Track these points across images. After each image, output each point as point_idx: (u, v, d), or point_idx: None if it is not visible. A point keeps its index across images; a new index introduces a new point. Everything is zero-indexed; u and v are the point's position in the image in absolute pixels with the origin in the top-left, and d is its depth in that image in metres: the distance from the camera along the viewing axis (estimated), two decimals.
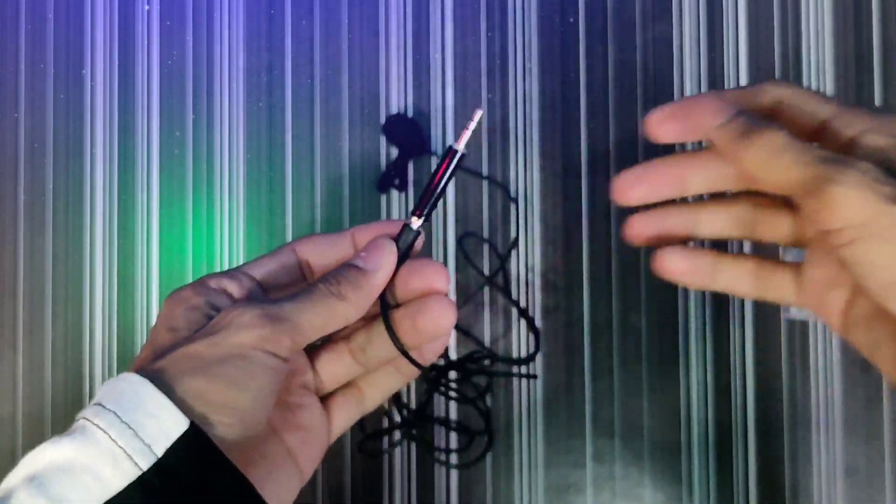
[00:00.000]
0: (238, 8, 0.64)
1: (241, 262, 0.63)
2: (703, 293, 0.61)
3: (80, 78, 0.64)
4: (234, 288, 0.35)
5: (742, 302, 0.61)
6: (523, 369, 0.62)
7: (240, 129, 0.64)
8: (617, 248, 0.62)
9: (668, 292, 0.61)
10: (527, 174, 0.63)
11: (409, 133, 0.62)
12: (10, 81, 0.64)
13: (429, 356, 0.38)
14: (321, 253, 0.38)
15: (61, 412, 0.62)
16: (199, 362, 0.30)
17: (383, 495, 0.61)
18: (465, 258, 0.62)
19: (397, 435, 0.61)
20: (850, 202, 0.27)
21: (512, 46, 0.64)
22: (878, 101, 0.62)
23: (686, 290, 0.61)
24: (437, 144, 0.63)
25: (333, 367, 0.39)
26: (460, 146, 0.36)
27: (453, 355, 0.61)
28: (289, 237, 0.63)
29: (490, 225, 0.63)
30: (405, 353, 0.37)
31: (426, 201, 0.37)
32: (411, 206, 0.63)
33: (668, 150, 0.62)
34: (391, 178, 0.62)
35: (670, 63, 0.63)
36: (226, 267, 0.63)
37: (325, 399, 0.39)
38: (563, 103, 0.63)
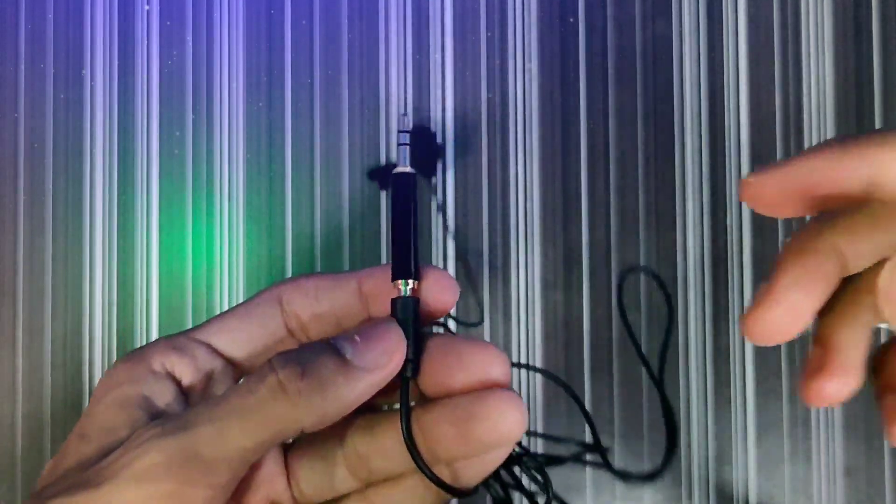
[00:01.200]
0: (238, 8, 0.64)
1: (239, 265, 0.63)
2: (704, 293, 0.61)
3: (80, 78, 0.64)
4: (186, 370, 0.26)
5: (742, 300, 0.61)
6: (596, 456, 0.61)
7: (240, 129, 0.64)
8: (617, 247, 0.62)
9: (668, 291, 0.61)
10: (526, 174, 0.63)
11: (427, 146, 0.62)
12: (10, 81, 0.64)
13: (475, 474, 0.26)
14: (316, 306, 0.27)
15: (61, 412, 0.62)
16: None
17: None
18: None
19: None
20: None
21: (512, 46, 0.64)
22: (878, 101, 0.62)
23: (686, 290, 0.61)
24: (437, 147, 0.63)
25: (318, 478, 0.27)
26: (404, 167, 0.28)
27: None
28: (288, 237, 0.63)
29: (490, 236, 0.63)
30: (438, 482, 0.25)
31: (408, 255, 0.27)
32: None
33: (668, 153, 0.63)
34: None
35: (670, 63, 0.63)
36: (225, 268, 0.63)
37: None
38: (563, 103, 0.63)
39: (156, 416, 0.24)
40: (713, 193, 0.62)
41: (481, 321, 0.62)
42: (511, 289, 0.62)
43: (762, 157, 0.62)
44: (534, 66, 0.64)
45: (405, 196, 0.28)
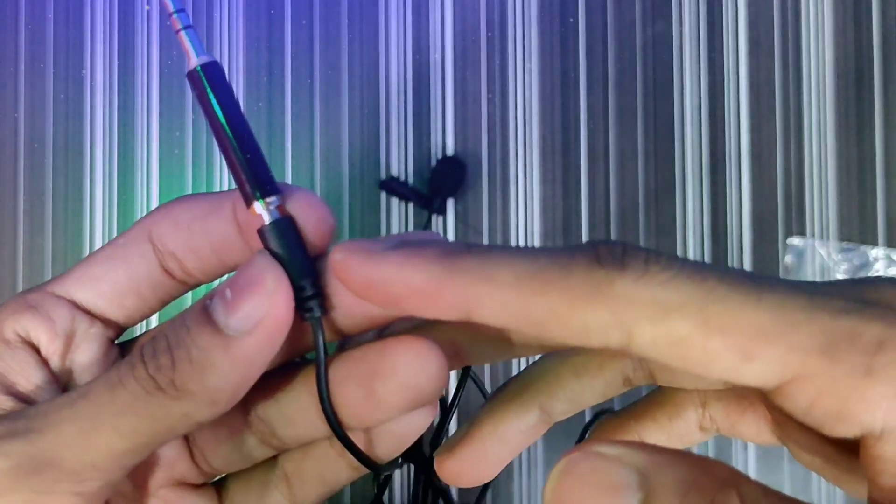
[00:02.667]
0: (238, 8, 0.64)
1: None
2: None
3: (80, 78, 0.64)
4: (44, 334, 0.22)
5: None
6: None
7: None
8: None
9: None
10: (526, 174, 0.63)
11: (455, 175, 0.62)
12: (10, 81, 0.64)
13: (393, 444, 0.22)
14: (190, 240, 0.22)
15: None
16: None
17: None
18: None
19: None
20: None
21: (512, 46, 0.64)
22: (878, 101, 0.62)
23: None
24: (437, 147, 0.63)
25: (226, 449, 0.23)
26: (204, 57, 0.21)
27: None
28: None
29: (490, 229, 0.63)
30: (354, 450, 0.21)
31: (258, 166, 0.21)
32: (411, 211, 0.63)
33: (668, 153, 0.63)
34: (398, 187, 0.62)
35: (670, 63, 0.63)
36: None
37: (226, 485, 0.24)
38: (563, 103, 0.63)
39: (13, 395, 0.21)
40: (713, 193, 0.62)
41: None
42: None
43: (762, 157, 0.62)
44: (534, 66, 0.64)
45: (224, 91, 0.21)
